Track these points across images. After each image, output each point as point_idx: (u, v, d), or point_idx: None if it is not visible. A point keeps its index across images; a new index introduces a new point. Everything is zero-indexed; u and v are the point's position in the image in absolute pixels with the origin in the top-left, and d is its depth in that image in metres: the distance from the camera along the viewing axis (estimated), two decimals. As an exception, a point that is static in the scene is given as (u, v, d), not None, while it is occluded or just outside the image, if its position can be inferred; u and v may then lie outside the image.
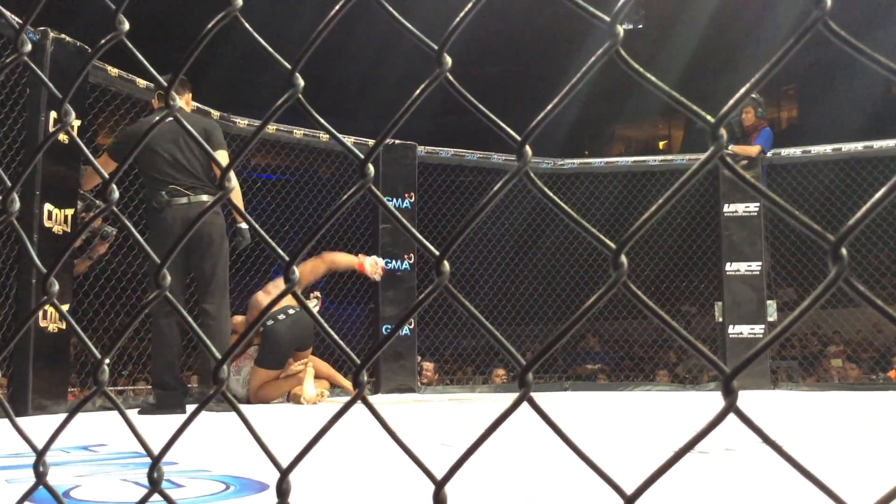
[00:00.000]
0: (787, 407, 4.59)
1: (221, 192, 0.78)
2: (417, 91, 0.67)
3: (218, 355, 0.78)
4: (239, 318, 5.71)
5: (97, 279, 5.21)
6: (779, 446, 0.54)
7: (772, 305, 6.44)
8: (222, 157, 4.33)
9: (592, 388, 7.19)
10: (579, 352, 9.90)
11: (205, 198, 4.29)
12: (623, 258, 0.58)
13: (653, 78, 0.59)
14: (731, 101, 0.56)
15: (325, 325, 0.74)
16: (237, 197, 4.46)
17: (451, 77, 0.67)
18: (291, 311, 5.20)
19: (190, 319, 0.82)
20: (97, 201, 4.53)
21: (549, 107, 0.62)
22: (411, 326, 6.48)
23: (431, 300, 0.69)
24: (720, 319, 6.53)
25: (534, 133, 0.63)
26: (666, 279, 7.43)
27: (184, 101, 4.58)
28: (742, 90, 0.57)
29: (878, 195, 0.50)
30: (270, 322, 5.13)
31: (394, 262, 6.51)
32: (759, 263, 6.43)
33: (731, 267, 6.49)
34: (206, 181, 4.35)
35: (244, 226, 4.44)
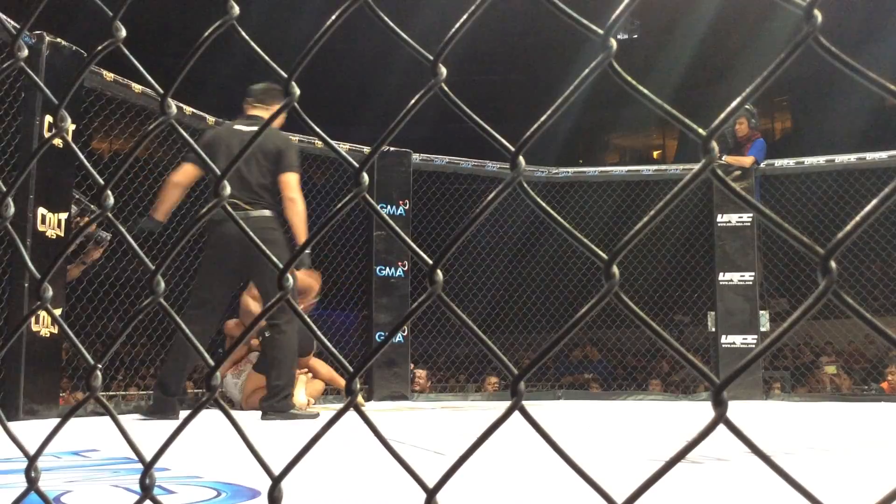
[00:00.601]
0: (779, 417, 4.59)
1: (216, 199, 0.78)
2: (412, 101, 0.68)
3: (211, 362, 0.78)
4: (231, 323, 5.70)
5: (90, 284, 5.20)
6: (767, 457, 0.54)
7: (764, 315, 6.46)
8: (291, 178, 4.21)
9: (585, 396, 7.20)
10: (572, 360, 9.90)
11: (266, 213, 4.16)
12: (615, 269, 0.58)
13: (646, 91, 0.59)
14: (723, 114, 0.57)
15: (319, 333, 0.74)
16: (301, 218, 4.22)
17: (445, 87, 0.68)
18: None
19: (183, 326, 0.82)
20: (91, 206, 4.48)
21: (542, 118, 0.62)
22: (404, 334, 6.48)
23: (425, 307, 0.69)
24: (713, 329, 6.54)
25: (527, 144, 0.63)
26: (659, 289, 7.45)
27: (269, 114, 4.42)
28: (734, 103, 0.57)
29: (866, 209, 0.51)
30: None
31: (388, 268, 6.51)
32: (752, 274, 6.45)
33: (725, 277, 6.50)
34: (268, 197, 4.21)
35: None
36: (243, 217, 4.03)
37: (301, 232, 4.20)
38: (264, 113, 4.37)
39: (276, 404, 4.09)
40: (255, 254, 4.00)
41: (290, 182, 4.21)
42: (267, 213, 4.17)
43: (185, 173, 4.28)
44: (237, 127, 4.33)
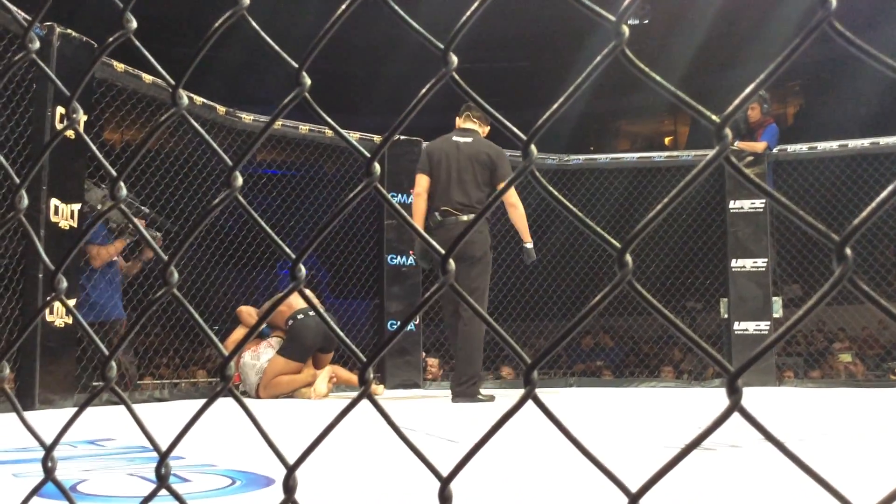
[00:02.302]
0: (792, 404, 4.58)
1: (228, 190, 0.78)
2: (423, 90, 0.67)
3: (225, 352, 0.78)
4: (244, 308, 5.72)
5: (102, 275, 5.23)
6: (782, 444, 0.54)
7: (777, 302, 6.42)
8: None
9: (598, 384, 7.19)
10: (584, 348, 9.89)
11: (472, 217, 4.57)
12: (628, 257, 0.58)
13: (658, 77, 0.59)
14: (737, 101, 0.56)
15: (332, 323, 0.74)
16: (523, 220, 4.86)
17: (456, 76, 0.67)
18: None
19: (195, 314, 0.82)
20: (143, 208, 4.81)
21: (554, 106, 0.62)
22: (416, 322, 6.49)
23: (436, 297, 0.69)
24: (726, 316, 6.52)
25: (539, 132, 0.63)
26: (671, 275, 7.41)
27: (482, 131, 4.95)
28: (748, 89, 0.57)
29: (883, 194, 0.50)
30: (301, 316, 5.23)
31: (399, 257, 6.52)
32: (765, 260, 6.41)
33: (737, 263, 6.47)
34: (478, 204, 4.63)
35: (529, 245, 4.92)
36: (453, 222, 4.67)
37: (524, 233, 4.88)
38: (476, 126, 4.97)
39: (466, 390, 4.63)
40: (460, 254, 4.53)
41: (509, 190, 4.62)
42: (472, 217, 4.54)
43: (421, 182, 4.87)
44: (454, 139, 4.91)
